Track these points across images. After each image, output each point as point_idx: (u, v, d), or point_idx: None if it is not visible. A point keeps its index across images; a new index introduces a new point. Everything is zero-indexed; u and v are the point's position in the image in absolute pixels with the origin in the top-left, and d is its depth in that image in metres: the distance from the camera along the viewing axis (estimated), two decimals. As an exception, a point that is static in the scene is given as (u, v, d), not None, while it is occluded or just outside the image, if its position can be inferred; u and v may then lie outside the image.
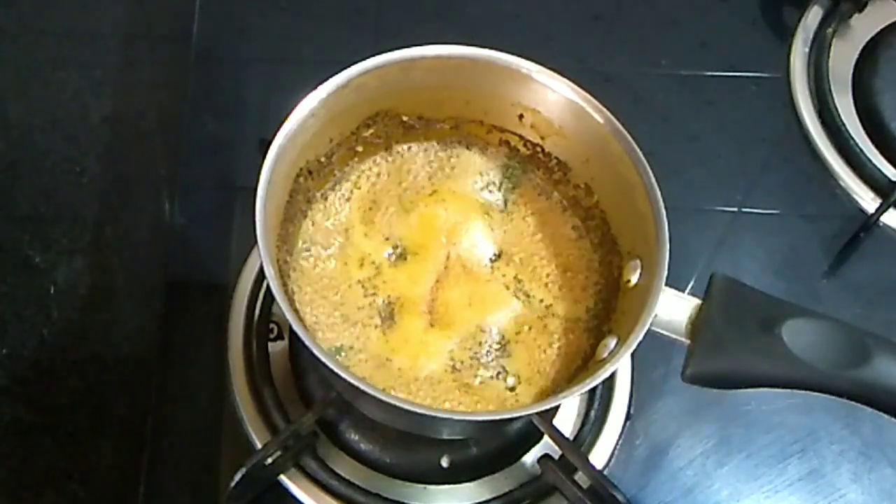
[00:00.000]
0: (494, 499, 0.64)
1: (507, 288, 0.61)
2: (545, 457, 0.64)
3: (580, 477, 0.62)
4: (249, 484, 0.59)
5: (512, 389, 0.58)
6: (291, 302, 0.55)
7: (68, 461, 0.57)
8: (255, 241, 0.50)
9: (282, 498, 0.63)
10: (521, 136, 0.63)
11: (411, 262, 0.61)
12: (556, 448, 0.63)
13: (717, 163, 0.82)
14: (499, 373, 0.58)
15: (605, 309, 0.59)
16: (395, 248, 0.61)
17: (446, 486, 0.64)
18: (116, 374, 0.65)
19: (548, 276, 0.61)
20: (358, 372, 0.57)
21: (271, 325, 0.68)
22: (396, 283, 0.60)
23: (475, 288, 0.60)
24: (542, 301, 0.60)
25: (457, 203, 0.63)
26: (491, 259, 0.61)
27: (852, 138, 0.80)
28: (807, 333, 0.49)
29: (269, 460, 0.60)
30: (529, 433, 0.66)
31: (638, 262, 0.56)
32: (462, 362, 0.58)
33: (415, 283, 0.60)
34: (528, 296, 0.60)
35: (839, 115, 0.81)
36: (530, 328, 0.60)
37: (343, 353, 0.58)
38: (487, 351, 0.59)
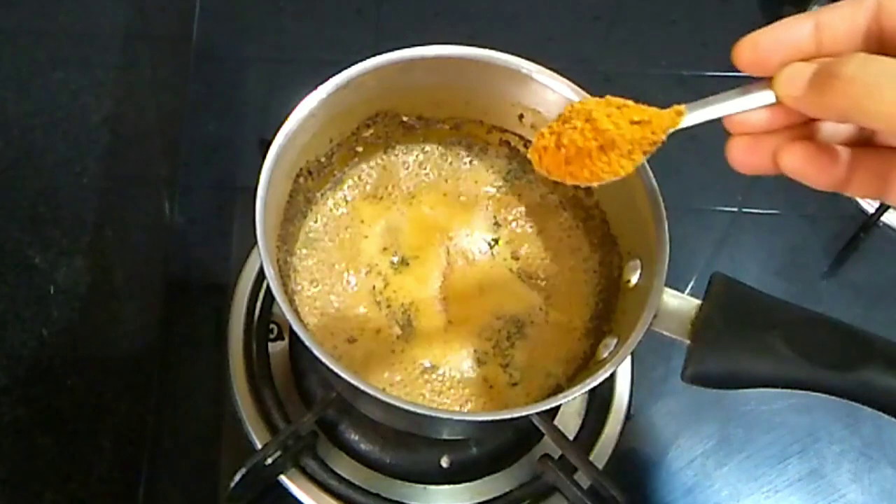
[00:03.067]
0: (494, 499, 0.64)
1: (511, 270, 0.61)
2: (545, 457, 0.64)
3: (580, 477, 0.62)
4: (249, 484, 0.59)
5: (514, 385, 0.58)
6: (291, 302, 0.55)
7: (68, 461, 0.57)
8: (255, 241, 0.50)
9: (282, 498, 0.63)
10: (521, 136, 0.62)
11: (413, 265, 0.61)
12: (556, 448, 0.64)
13: (717, 163, 0.81)
14: (507, 365, 0.59)
15: (605, 309, 0.59)
16: (395, 253, 0.61)
17: (446, 486, 0.64)
18: (116, 374, 0.65)
19: (547, 276, 0.62)
20: (378, 382, 0.57)
21: (271, 325, 0.69)
22: (406, 289, 0.60)
23: (482, 277, 0.61)
24: (543, 295, 0.61)
25: (455, 203, 0.63)
26: (490, 244, 0.62)
27: (852, 138, 0.80)
28: (807, 333, 0.49)
29: (269, 460, 0.60)
30: (529, 433, 0.66)
31: (638, 262, 0.56)
32: (486, 353, 0.59)
33: (423, 285, 0.60)
34: (530, 277, 0.61)
35: (839, 115, 0.81)
36: (546, 314, 0.60)
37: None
38: (508, 336, 0.59)
